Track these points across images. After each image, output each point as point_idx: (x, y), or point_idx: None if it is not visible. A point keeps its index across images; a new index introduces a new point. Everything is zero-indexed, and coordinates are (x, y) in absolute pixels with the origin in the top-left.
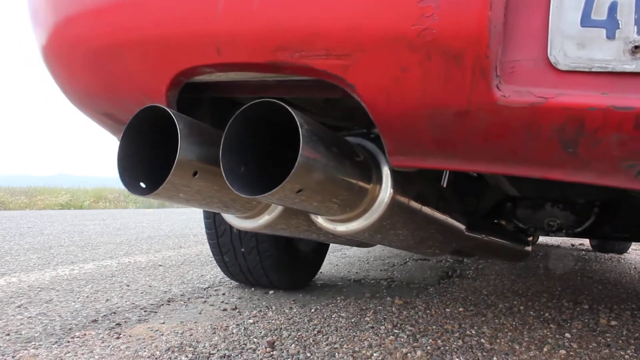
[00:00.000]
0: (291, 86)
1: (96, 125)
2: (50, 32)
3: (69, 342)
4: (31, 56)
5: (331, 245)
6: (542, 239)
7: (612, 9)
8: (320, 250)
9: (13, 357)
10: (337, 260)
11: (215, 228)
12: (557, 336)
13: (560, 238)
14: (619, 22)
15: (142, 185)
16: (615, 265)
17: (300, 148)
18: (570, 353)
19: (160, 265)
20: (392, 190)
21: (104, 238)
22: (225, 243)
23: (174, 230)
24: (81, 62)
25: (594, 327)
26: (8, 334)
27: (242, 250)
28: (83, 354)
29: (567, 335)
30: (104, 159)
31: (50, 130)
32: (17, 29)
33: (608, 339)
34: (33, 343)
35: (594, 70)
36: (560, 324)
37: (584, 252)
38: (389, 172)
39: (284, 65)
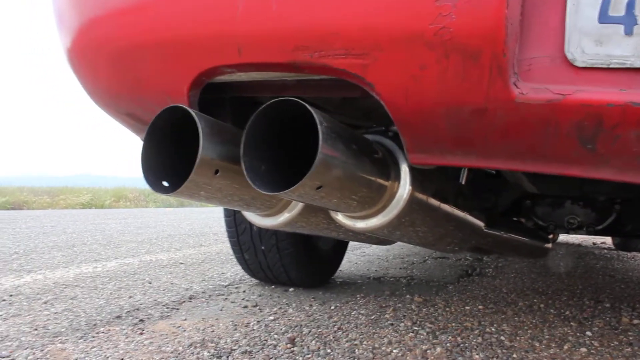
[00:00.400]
0: (310, 86)
1: (117, 125)
2: (75, 35)
3: (94, 337)
4: (52, 57)
5: (350, 243)
6: (562, 237)
7: (630, 5)
8: (339, 248)
9: (42, 350)
10: (357, 259)
11: (236, 226)
12: (577, 334)
13: (581, 236)
14: (637, 18)
15: (165, 184)
16: (639, 264)
17: (320, 145)
18: (591, 351)
19: (181, 263)
20: (410, 187)
21: (126, 236)
22: (245, 241)
23: (194, 229)
24: (105, 64)
25: (616, 326)
26: (36, 329)
27: (262, 248)
28: (108, 348)
29: (588, 333)
30: (124, 159)
31: (71, 131)
32: (30, 27)
33: (630, 338)
34: (60, 338)
35: (611, 66)
36: (581, 322)
37: (605, 250)
38: (407, 169)
39: (304, 65)
